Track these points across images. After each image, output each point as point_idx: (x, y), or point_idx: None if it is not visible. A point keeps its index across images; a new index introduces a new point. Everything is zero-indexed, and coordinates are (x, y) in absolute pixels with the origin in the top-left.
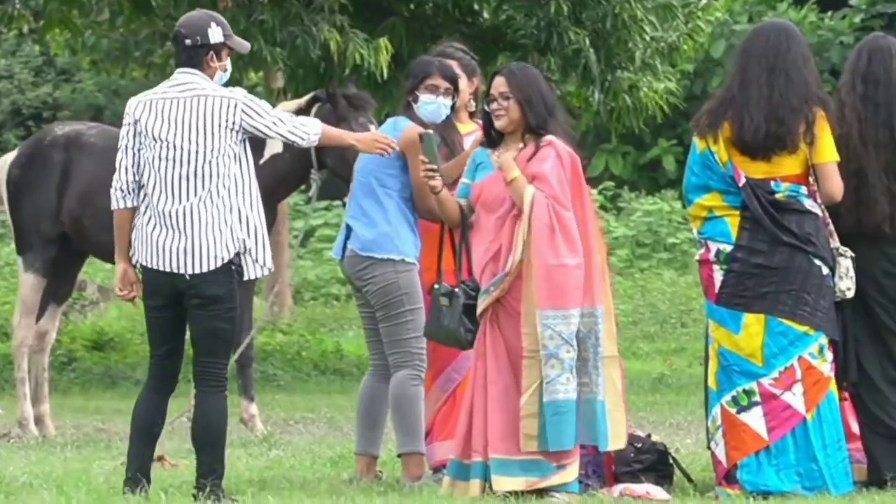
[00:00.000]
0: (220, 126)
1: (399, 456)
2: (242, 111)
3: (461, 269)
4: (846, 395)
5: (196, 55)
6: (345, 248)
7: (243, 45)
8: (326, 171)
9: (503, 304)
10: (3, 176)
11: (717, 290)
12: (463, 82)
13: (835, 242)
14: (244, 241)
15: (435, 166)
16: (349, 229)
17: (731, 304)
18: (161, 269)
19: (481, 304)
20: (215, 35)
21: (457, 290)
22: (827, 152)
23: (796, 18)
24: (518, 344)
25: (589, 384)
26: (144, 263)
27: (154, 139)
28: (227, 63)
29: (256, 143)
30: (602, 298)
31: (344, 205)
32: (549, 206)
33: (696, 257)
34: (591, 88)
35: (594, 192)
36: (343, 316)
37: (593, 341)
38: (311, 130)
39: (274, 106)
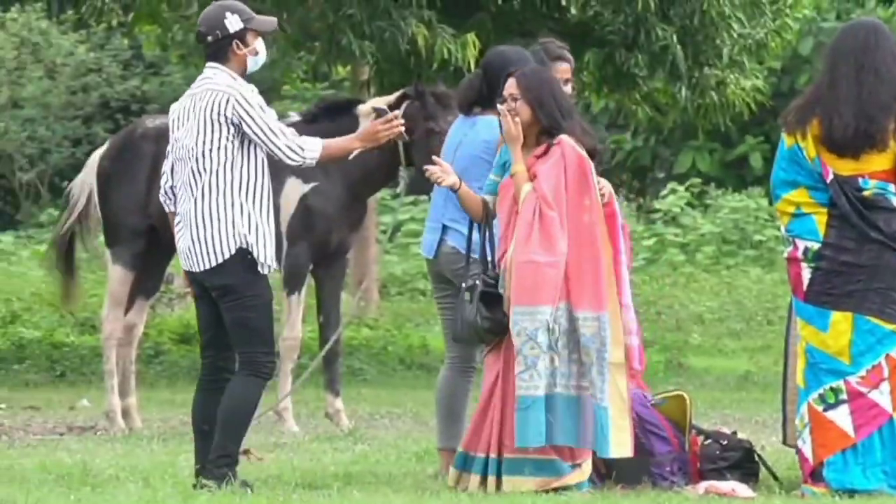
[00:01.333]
0: (212, 119)
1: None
2: (234, 107)
3: (486, 263)
4: None
5: (220, 48)
6: (438, 246)
7: (267, 23)
8: (413, 168)
9: None
10: (93, 168)
11: (805, 288)
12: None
13: None
14: (245, 236)
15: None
16: (445, 229)
17: (818, 302)
18: (184, 268)
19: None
20: (233, 24)
21: (477, 282)
22: None
23: (885, 16)
24: None
25: (591, 388)
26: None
27: (175, 140)
28: (258, 45)
29: None
30: (608, 303)
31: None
32: (535, 203)
33: (785, 254)
34: (678, 85)
35: (681, 188)
36: (429, 311)
37: (598, 346)
38: (308, 150)
39: (362, 102)
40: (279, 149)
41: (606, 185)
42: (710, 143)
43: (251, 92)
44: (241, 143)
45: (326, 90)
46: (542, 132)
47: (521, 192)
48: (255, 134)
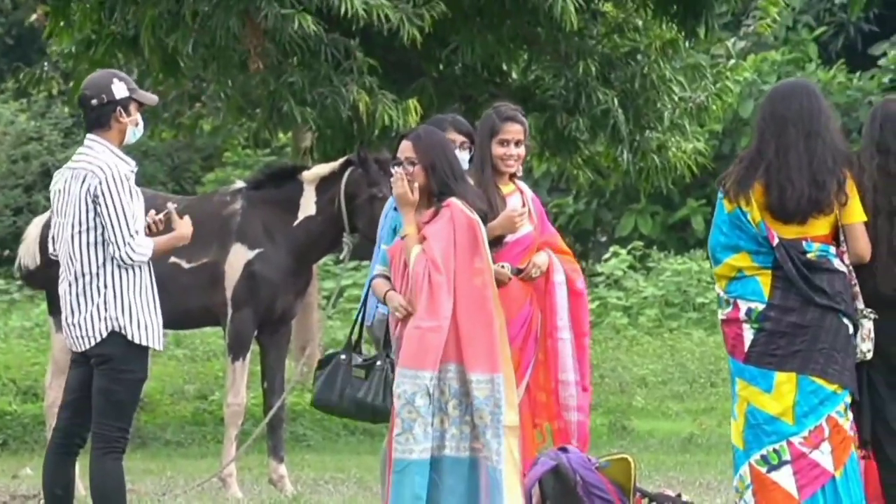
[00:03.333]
0: (85, 200)
1: None
2: (98, 186)
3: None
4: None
5: (104, 114)
6: (375, 314)
7: (151, 98)
8: (358, 235)
9: None
10: (35, 237)
11: (746, 349)
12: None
13: (860, 304)
14: (116, 319)
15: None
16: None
17: (761, 363)
18: (66, 341)
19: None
20: (120, 91)
21: (378, 362)
22: (856, 213)
23: (825, 79)
24: None
25: (485, 450)
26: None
27: (56, 212)
28: (138, 117)
29: (290, 205)
30: (502, 365)
31: None
32: (425, 265)
33: (722, 316)
34: (619, 148)
35: (623, 251)
36: None
37: (492, 408)
38: (141, 252)
39: (306, 169)
40: (123, 242)
41: (542, 260)
42: (651, 206)
43: (126, 172)
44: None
45: (268, 157)
46: (432, 195)
47: (410, 254)
48: (107, 220)
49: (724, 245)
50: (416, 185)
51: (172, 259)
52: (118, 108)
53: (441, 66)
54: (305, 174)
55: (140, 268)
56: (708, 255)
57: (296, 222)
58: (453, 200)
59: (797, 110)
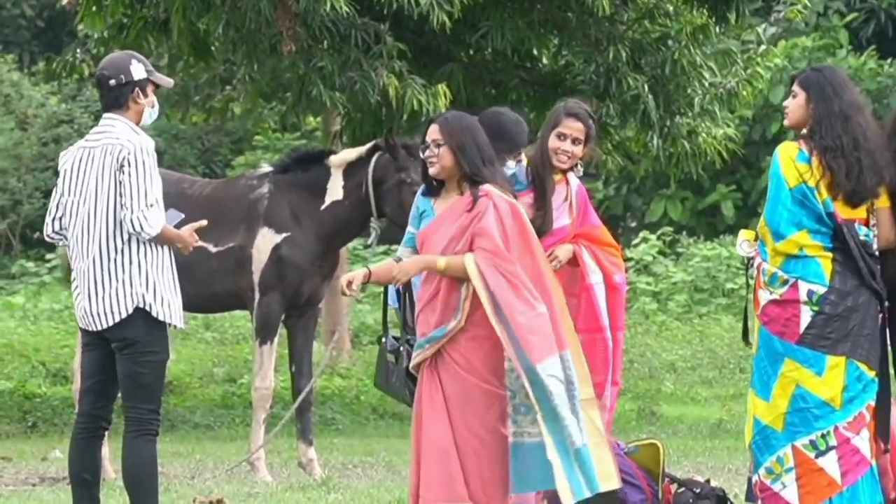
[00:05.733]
0: (110, 175)
1: None
2: (126, 157)
3: (406, 322)
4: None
5: (121, 94)
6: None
7: (167, 81)
8: (385, 220)
9: (444, 357)
10: None
11: (801, 331)
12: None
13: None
14: (143, 296)
15: None
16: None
17: (815, 346)
18: (81, 325)
19: (415, 357)
20: (138, 72)
21: (401, 348)
22: (885, 197)
23: (856, 65)
24: (459, 393)
25: (567, 429)
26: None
27: (68, 191)
28: (154, 99)
29: (317, 189)
30: (567, 342)
31: None
32: (495, 265)
33: (774, 295)
34: (649, 134)
35: (652, 237)
36: None
37: (567, 386)
38: (151, 223)
39: (334, 153)
40: (138, 214)
41: (564, 252)
42: (681, 191)
43: (150, 148)
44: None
45: (298, 140)
46: (462, 178)
47: (468, 268)
48: (128, 191)
49: (788, 220)
50: (441, 166)
51: (199, 243)
52: (136, 88)
53: (471, 51)
54: (332, 159)
55: (162, 246)
56: (764, 234)
57: (323, 206)
58: (489, 188)
59: (854, 97)
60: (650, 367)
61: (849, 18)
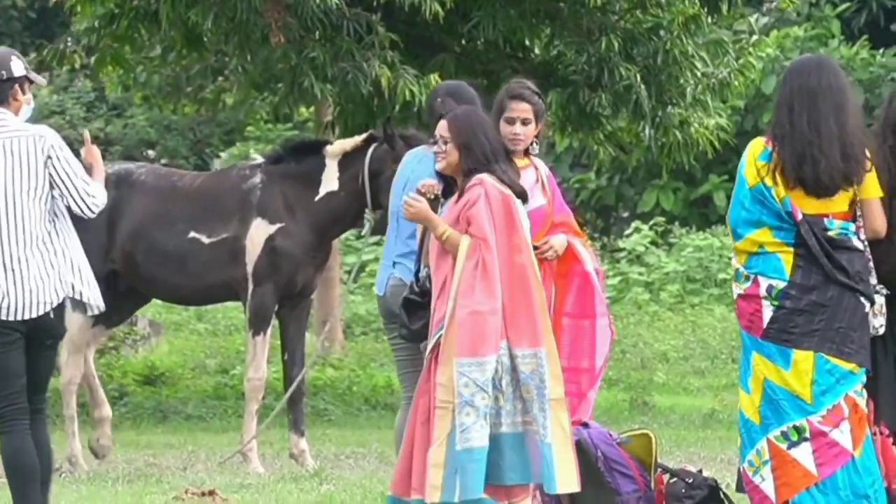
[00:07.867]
0: (36, 164)
1: None
2: (51, 148)
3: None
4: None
5: (3, 90)
6: (387, 282)
7: (40, 80)
8: (380, 211)
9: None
10: None
11: (764, 326)
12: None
13: (873, 279)
14: (72, 284)
15: None
16: (395, 265)
17: (779, 340)
18: (2, 317)
19: (431, 342)
20: (18, 68)
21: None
22: (873, 188)
23: (848, 55)
24: None
25: (534, 424)
26: None
27: None
28: (31, 96)
29: (311, 179)
30: (544, 339)
31: None
32: (479, 254)
33: (739, 291)
34: (641, 124)
35: (645, 227)
36: None
37: (537, 383)
38: (101, 199)
39: (328, 144)
40: (83, 195)
41: (559, 243)
42: (673, 181)
43: (52, 133)
44: (52, 187)
45: (290, 131)
46: (464, 175)
47: (461, 249)
48: (67, 176)
49: (745, 220)
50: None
51: (192, 234)
52: (16, 85)
53: (463, 42)
54: (329, 149)
55: (70, 226)
56: (729, 231)
57: (317, 197)
58: (483, 176)
59: (827, 85)
60: (642, 358)
61: (841, 8)
